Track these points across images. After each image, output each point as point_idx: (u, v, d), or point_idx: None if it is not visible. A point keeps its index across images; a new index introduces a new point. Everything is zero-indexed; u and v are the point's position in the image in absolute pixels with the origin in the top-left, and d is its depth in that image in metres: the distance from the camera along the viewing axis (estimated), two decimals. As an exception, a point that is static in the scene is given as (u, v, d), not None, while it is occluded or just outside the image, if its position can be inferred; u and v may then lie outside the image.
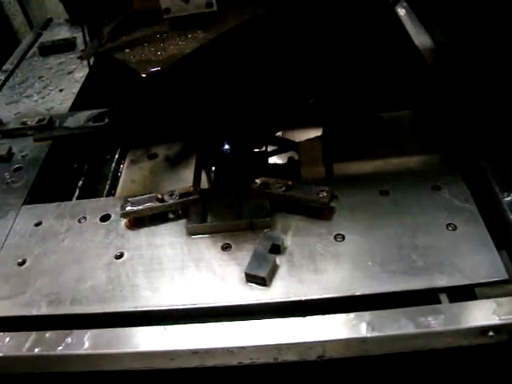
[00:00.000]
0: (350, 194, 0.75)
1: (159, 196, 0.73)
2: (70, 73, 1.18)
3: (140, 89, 0.77)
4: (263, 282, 0.63)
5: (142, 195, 0.75)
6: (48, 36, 1.39)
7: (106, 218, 0.78)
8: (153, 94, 0.79)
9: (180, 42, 0.57)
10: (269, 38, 0.69)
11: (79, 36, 1.32)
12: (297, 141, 0.93)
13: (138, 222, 0.74)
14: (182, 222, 0.74)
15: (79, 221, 0.78)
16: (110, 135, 1.08)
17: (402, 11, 1.16)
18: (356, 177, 0.81)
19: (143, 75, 0.55)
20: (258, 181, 0.73)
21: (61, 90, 1.13)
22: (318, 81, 1.06)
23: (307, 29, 0.80)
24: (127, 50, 0.59)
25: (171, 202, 0.73)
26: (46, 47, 1.28)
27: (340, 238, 0.69)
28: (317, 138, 0.93)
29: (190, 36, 0.57)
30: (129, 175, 1.06)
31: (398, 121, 0.92)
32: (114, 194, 1.04)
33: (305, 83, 1.02)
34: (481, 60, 0.81)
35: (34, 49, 1.33)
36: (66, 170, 1.06)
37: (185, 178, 1.02)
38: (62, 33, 1.37)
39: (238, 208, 0.73)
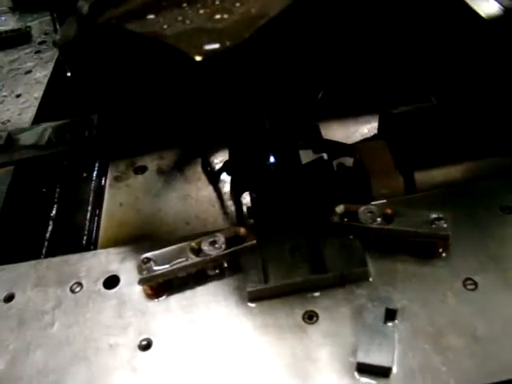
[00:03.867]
0: (457, 215, 0.53)
1: (194, 245, 0.49)
2: (27, 72, 0.94)
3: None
4: (385, 372, 0.41)
5: (167, 247, 0.50)
6: (-7, 27, 1.11)
7: (112, 281, 0.52)
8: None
9: None
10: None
11: (34, 25, 1.06)
12: (351, 143, 0.70)
13: (163, 286, 0.50)
14: (229, 280, 0.50)
15: (72, 289, 0.52)
16: (91, 151, 0.85)
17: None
18: (455, 189, 0.59)
19: (197, 58, 0.30)
20: (338, 210, 0.50)
21: (18, 96, 0.89)
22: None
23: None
24: (151, 16, 0.33)
25: (214, 254, 0.48)
26: (-6, 41, 1.00)
27: (471, 284, 0.47)
28: (375, 136, 0.71)
29: None
30: (114, 196, 0.87)
31: (469, 111, 0.71)
32: (98, 224, 0.84)
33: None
34: None
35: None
36: (35, 199, 0.83)
37: (189, 195, 0.85)
38: (11, 23, 1.10)
39: (310, 252, 0.49)
